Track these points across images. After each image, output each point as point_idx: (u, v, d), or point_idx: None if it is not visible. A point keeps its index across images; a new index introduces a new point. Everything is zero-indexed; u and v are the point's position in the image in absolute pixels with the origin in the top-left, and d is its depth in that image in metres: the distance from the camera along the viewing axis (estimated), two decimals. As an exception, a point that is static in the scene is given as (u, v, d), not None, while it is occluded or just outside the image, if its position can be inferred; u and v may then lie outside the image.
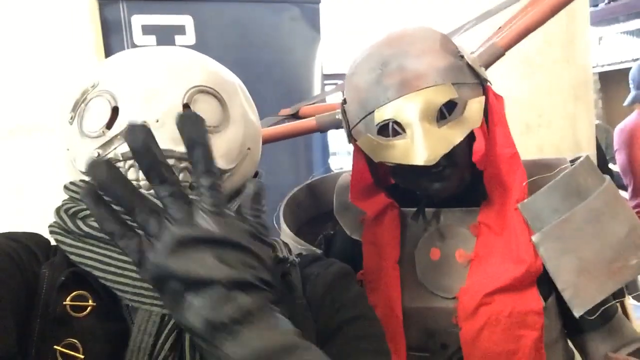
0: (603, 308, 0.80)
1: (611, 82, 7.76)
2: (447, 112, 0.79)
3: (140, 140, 0.43)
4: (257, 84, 2.44)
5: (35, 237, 0.59)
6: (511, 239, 0.86)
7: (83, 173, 0.58)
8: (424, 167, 0.78)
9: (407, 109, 0.78)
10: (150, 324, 0.52)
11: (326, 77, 2.41)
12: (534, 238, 0.85)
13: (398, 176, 0.89)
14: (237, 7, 2.28)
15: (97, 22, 2.02)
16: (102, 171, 0.43)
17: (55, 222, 0.58)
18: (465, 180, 0.88)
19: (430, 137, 0.77)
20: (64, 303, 0.53)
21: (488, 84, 0.88)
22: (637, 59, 3.72)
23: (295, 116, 1.32)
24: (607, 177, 0.91)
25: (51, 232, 0.58)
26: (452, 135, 0.78)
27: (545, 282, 0.85)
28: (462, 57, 0.84)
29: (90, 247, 0.55)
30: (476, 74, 0.85)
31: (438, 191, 0.85)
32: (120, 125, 0.56)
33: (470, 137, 0.83)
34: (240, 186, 0.62)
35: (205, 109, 0.57)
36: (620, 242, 0.83)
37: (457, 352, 0.85)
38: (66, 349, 0.51)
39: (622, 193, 2.46)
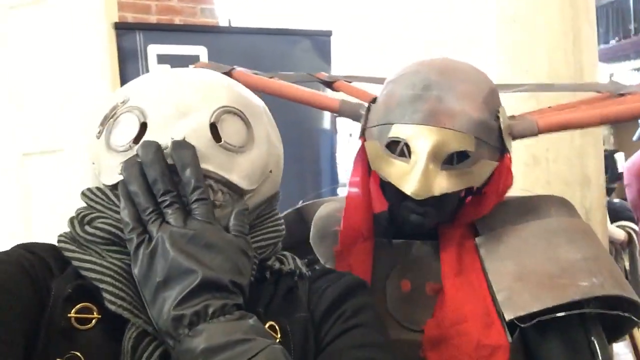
0: (538, 319, 0.76)
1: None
2: (457, 159, 0.80)
3: (150, 154, 0.52)
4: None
5: (54, 250, 0.58)
6: (474, 273, 0.86)
7: (106, 186, 0.58)
8: (410, 196, 0.79)
9: (423, 139, 0.79)
10: (131, 341, 0.51)
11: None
12: (477, 239, 0.87)
13: (387, 190, 0.89)
14: (250, 38, 2.33)
15: (114, 50, 2.09)
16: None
17: (65, 232, 0.59)
18: (443, 221, 0.89)
19: (428, 176, 0.78)
20: (69, 315, 0.53)
21: (508, 154, 0.86)
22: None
23: (328, 85, 1.18)
24: (579, 217, 0.90)
25: (59, 241, 0.58)
26: (449, 183, 0.79)
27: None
28: (498, 118, 0.84)
29: (91, 252, 0.55)
30: (502, 140, 0.84)
31: (413, 223, 0.86)
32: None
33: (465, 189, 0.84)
34: (260, 207, 0.62)
35: (231, 128, 0.58)
36: (570, 264, 0.80)
37: None
38: None
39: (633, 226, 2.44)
